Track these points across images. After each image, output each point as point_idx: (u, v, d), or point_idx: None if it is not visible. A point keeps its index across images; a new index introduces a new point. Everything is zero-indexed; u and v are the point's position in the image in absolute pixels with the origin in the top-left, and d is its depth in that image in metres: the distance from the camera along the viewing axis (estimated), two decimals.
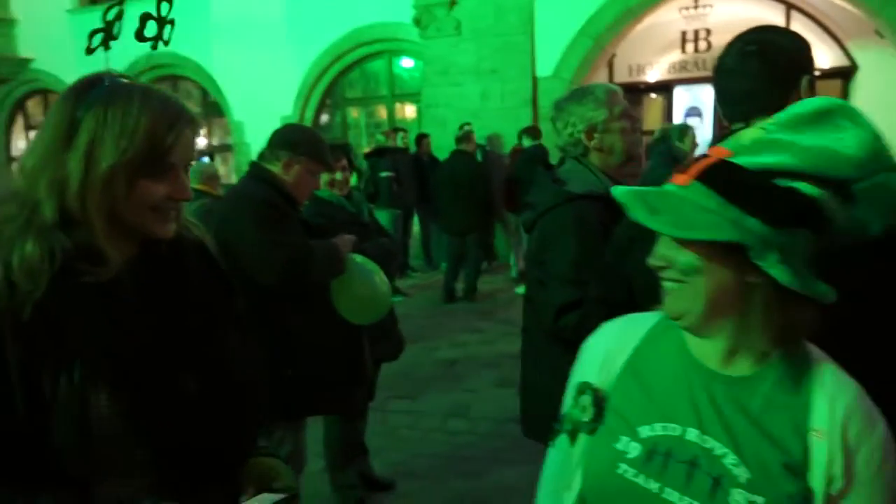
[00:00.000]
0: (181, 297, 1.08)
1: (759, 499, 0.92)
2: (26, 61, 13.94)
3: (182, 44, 11.84)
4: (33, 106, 15.20)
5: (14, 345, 0.93)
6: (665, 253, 0.97)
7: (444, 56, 9.44)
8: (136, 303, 1.03)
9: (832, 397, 0.96)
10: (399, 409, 4.44)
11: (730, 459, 0.95)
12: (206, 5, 11.46)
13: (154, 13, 1.29)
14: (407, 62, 11.36)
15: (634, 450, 1.00)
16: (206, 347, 1.09)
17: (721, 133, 1.69)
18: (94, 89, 1.00)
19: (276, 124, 2.80)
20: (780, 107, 1.39)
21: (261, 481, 1.12)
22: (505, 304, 6.99)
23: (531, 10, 9.05)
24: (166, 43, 1.32)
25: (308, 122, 11.42)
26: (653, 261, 1.00)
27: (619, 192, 1.00)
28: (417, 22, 9.51)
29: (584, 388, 1.08)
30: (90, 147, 0.97)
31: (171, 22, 1.29)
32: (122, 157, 0.96)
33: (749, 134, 0.97)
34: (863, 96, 9.28)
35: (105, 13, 0.97)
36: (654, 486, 0.97)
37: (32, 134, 16.94)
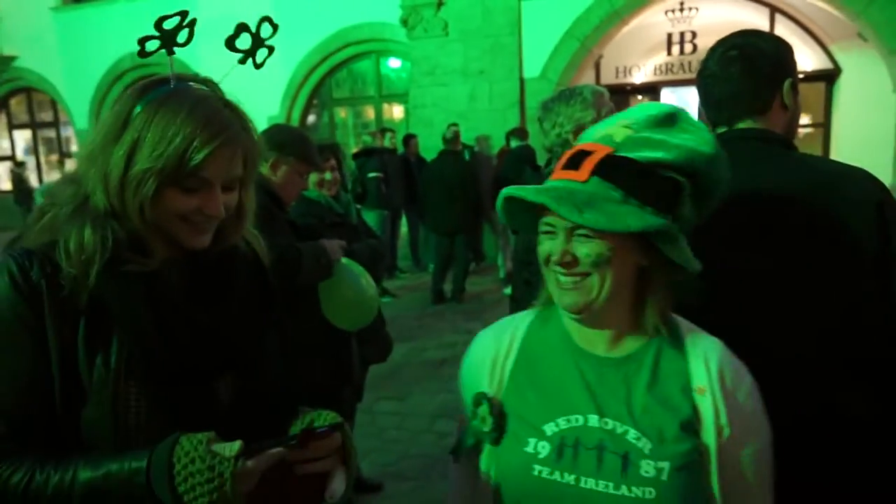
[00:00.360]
0: (223, 306, 1.08)
1: (665, 464, 0.97)
2: (9, 59, 13.78)
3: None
4: (16, 104, 15.03)
5: (55, 327, 0.95)
6: (568, 248, 1.01)
7: (432, 57, 9.44)
8: (177, 301, 1.03)
9: (705, 356, 1.05)
10: (387, 410, 4.43)
11: (631, 434, 1.00)
12: (193, 4, 11.38)
13: (252, 28, 1.25)
14: (394, 62, 11.36)
15: (544, 449, 1.03)
16: (243, 358, 1.09)
17: None
18: (156, 89, 1.01)
19: (263, 124, 2.77)
20: (762, 110, 1.42)
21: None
22: (493, 304, 7.00)
23: (518, 12, 9.07)
24: (258, 66, 1.28)
25: (295, 122, 11.39)
26: (556, 258, 1.01)
27: (531, 193, 1.00)
28: (405, 22, 9.51)
29: (479, 399, 1.10)
30: (132, 146, 0.97)
31: (271, 48, 1.25)
32: (155, 164, 0.96)
33: (618, 133, 1.03)
34: (846, 99, 9.39)
35: (160, 22, 0.93)
36: (570, 478, 1.01)
37: (16, 132, 16.72)
